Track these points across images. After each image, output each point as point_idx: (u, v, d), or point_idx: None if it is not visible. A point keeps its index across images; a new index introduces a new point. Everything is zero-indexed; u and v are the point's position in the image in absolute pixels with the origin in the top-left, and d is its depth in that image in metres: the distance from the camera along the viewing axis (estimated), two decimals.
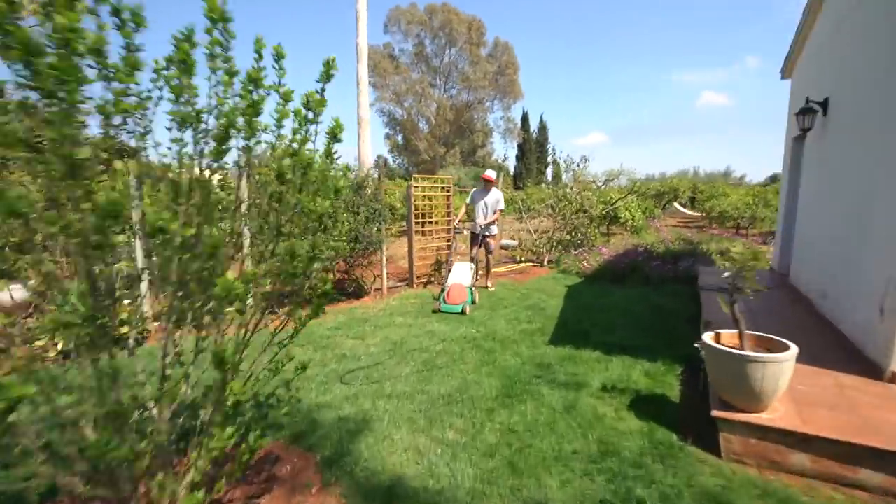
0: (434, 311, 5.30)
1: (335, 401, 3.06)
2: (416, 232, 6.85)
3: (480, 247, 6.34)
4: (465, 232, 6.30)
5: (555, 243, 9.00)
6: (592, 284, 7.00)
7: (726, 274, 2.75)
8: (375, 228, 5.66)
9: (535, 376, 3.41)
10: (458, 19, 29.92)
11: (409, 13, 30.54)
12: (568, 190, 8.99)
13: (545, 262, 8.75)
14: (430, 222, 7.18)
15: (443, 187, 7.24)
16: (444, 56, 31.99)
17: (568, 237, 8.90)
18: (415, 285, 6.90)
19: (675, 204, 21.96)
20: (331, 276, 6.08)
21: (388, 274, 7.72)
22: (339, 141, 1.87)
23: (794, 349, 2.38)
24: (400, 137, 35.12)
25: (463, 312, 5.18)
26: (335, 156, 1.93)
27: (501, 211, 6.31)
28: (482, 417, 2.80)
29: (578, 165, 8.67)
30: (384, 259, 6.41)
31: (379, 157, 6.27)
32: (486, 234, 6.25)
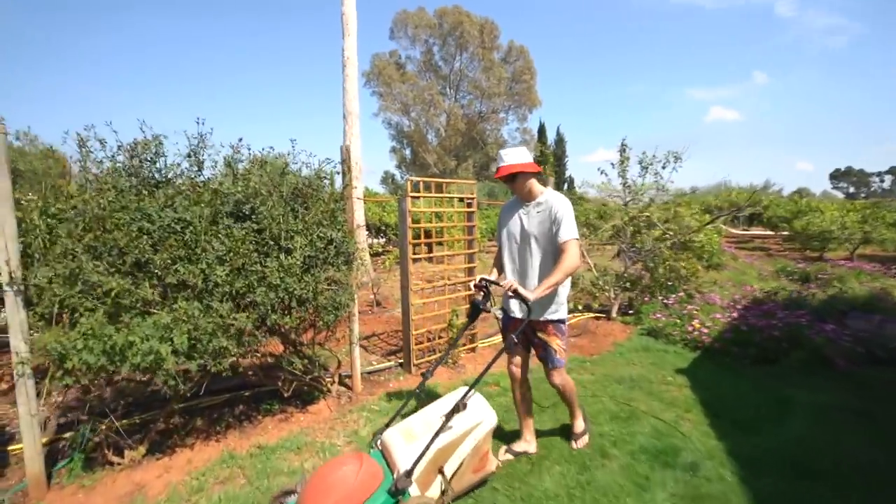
0: None
1: None
2: (416, 262, 3.96)
3: (522, 349, 2.54)
4: (498, 313, 2.35)
5: (625, 283, 6.00)
6: (726, 368, 3.98)
7: None
8: (324, 277, 2.75)
9: None
10: (469, 21, 27.55)
11: (417, 17, 28.31)
12: (648, 202, 6.03)
13: (614, 313, 5.76)
14: (440, 247, 4.29)
15: (461, 199, 4.37)
16: (455, 62, 29.60)
17: (649, 276, 5.91)
18: (413, 368, 3.96)
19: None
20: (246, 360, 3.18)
21: (372, 338, 4.72)
22: None
23: None
24: (408, 151, 32.65)
25: None
26: None
27: (576, 242, 2.28)
28: None
29: (664, 166, 5.76)
30: (355, 329, 3.49)
31: (344, 147, 3.59)
32: (540, 318, 2.38)
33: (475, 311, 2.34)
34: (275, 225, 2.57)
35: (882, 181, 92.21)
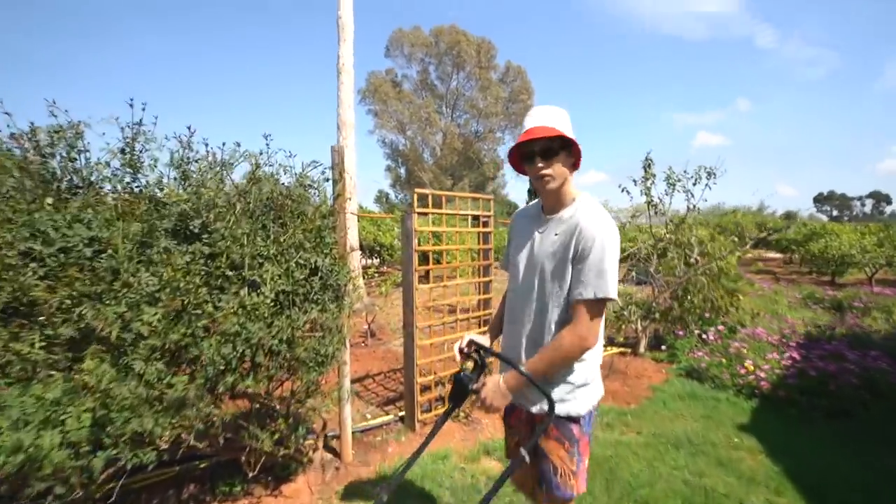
0: None
1: None
2: (419, 288, 3.23)
3: (525, 456, 1.24)
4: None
5: (654, 314, 5.32)
6: (796, 424, 3.27)
7: None
8: (304, 321, 2.02)
9: None
10: (466, 40, 27.60)
11: (413, 35, 28.33)
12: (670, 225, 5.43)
13: (642, 348, 5.06)
14: (450, 271, 3.57)
15: (475, 217, 3.69)
16: (452, 81, 29.54)
17: (678, 306, 5.24)
18: (417, 424, 3.18)
19: None
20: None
21: (365, 380, 3.79)
22: None
23: None
24: (403, 170, 32.22)
25: None
26: None
27: (600, 307, 1.28)
28: None
29: (696, 183, 5.17)
30: (346, 384, 2.72)
31: (336, 149, 2.94)
32: (534, 410, 1.41)
33: (460, 389, 1.37)
34: (236, 248, 1.85)
35: (863, 205, 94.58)
